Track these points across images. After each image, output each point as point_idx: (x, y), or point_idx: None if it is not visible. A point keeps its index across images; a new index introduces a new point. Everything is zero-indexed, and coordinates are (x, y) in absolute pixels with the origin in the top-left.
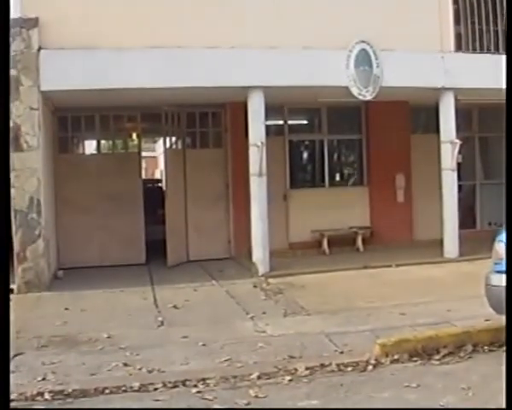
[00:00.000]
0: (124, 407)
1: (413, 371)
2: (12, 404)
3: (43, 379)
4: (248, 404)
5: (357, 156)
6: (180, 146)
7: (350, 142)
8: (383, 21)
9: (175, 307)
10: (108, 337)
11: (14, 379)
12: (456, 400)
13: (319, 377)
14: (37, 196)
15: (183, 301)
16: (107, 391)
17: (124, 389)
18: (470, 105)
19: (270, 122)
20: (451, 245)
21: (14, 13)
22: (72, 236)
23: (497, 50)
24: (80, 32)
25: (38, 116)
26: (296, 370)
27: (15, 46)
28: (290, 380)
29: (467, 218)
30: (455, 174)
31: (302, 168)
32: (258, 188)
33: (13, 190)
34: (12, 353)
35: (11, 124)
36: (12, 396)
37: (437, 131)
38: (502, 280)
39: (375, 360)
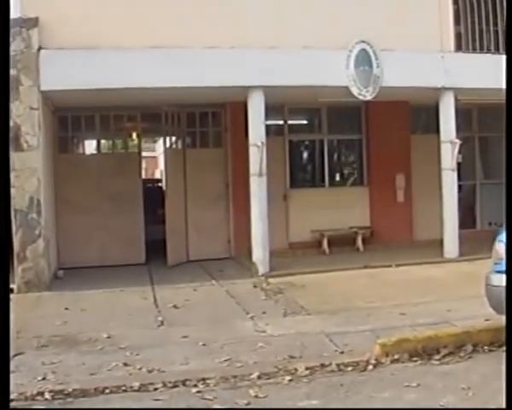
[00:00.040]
0: (124, 407)
1: (413, 371)
2: (12, 404)
3: (43, 379)
4: (248, 404)
5: (357, 156)
6: (180, 146)
7: (350, 142)
8: (383, 21)
9: (175, 306)
10: (108, 337)
11: (14, 379)
12: (456, 400)
13: (319, 377)
14: (38, 196)
15: (183, 301)
16: (107, 391)
17: (124, 388)
18: (470, 105)
19: (270, 122)
20: (451, 245)
21: (14, 13)
22: (72, 236)
23: (497, 50)
24: (80, 31)
25: (38, 116)
26: (296, 370)
27: (15, 46)
28: (290, 380)
29: (467, 218)
30: (455, 174)
31: (302, 168)
32: (258, 188)
33: (13, 190)
34: (12, 353)
35: (11, 124)
36: (12, 396)
37: (437, 131)
38: (502, 280)
39: (376, 359)
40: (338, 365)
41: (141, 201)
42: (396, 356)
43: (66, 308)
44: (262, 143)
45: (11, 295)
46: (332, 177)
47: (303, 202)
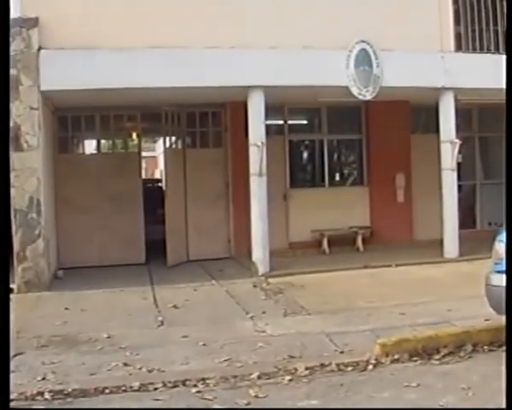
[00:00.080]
0: (123, 407)
1: (413, 371)
2: (12, 404)
3: (43, 379)
4: (248, 404)
5: (357, 156)
6: (180, 146)
7: (350, 142)
8: (383, 21)
9: (175, 306)
10: (108, 337)
11: (13, 379)
12: (456, 400)
13: (319, 377)
14: (37, 196)
15: (182, 301)
16: (106, 391)
17: (124, 388)
18: (470, 105)
19: (270, 122)
20: (451, 245)
21: (14, 13)
22: (72, 235)
23: (497, 50)
24: (80, 31)
25: (38, 116)
26: (296, 370)
27: (15, 46)
28: (290, 380)
29: (467, 218)
30: (455, 174)
31: (302, 168)
32: (258, 188)
33: (13, 190)
34: (12, 352)
35: (11, 124)
36: (12, 396)
37: (437, 130)
38: (502, 280)
39: (376, 359)
40: (338, 365)
41: (141, 201)
42: (396, 356)
43: (66, 308)
44: (262, 142)
45: (11, 295)
46: (332, 177)
47: (303, 201)
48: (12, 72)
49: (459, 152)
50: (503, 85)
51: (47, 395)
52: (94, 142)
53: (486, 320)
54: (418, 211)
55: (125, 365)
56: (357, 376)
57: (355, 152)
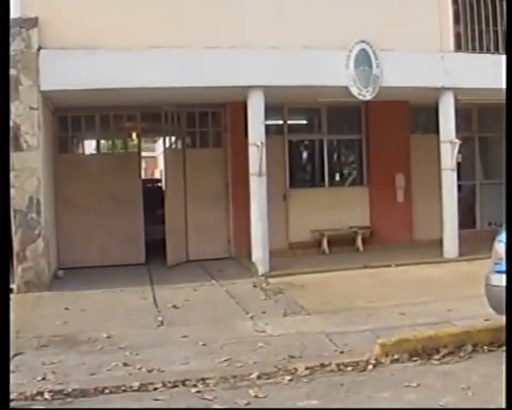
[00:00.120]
0: (123, 407)
1: (413, 371)
2: (12, 404)
3: (43, 379)
4: (248, 404)
5: (356, 156)
6: (180, 146)
7: (350, 142)
8: (383, 21)
9: (175, 306)
10: (108, 337)
11: (13, 379)
12: (455, 400)
13: (319, 377)
14: (37, 196)
15: (182, 301)
16: (106, 391)
17: (123, 388)
18: (470, 105)
19: (269, 122)
20: (451, 245)
21: (13, 13)
22: (72, 236)
23: (496, 50)
24: (80, 31)
25: (38, 116)
26: (296, 370)
27: (15, 46)
28: (290, 380)
29: (466, 218)
30: (454, 174)
31: (302, 168)
32: (257, 188)
33: (12, 190)
34: (12, 352)
35: (11, 124)
36: (12, 396)
37: (437, 131)
38: (502, 280)
39: (375, 359)
40: (338, 365)
41: (140, 201)
42: (396, 356)
43: (66, 308)
44: (262, 142)
45: (11, 295)
46: (332, 177)
47: (303, 201)
48: (12, 72)
49: (459, 152)
50: (503, 85)
51: (47, 395)
52: (94, 142)
53: (486, 320)
54: (418, 211)
55: (125, 365)
56: (357, 376)
57: (355, 152)
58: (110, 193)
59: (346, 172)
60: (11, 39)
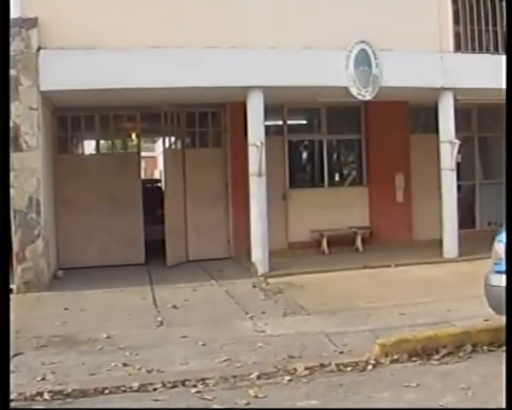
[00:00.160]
0: (123, 407)
1: (412, 371)
2: (11, 404)
3: (43, 379)
4: (248, 404)
5: (356, 156)
6: (179, 146)
7: (349, 142)
8: (383, 21)
9: (174, 306)
10: (108, 337)
11: (13, 379)
12: (455, 400)
13: (319, 377)
14: (37, 196)
15: (182, 301)
16: (106, 391)
17: (123, 389)
18: (469, 105)
19: (269, 122)
20: (451, 245)
21: (13, 13)
22: (71, 236)
23: (496, 50)
24: (80, 31)
25: (38, 116)
26: (296, 370)
27: (15, 46)
28: (290, 380)
29: (466, 218)
30: (454, 174)
31: (301, 168)
32: (257, 188)
33: (12, 190)
34: (11, 353)
35: (10, 124)
36: (11, 396)
37: (436, 131)
38: (501, 280)
39: (375, 360)
40: (337, 365)
41: (140, 201)
42: (395, 356)
43: (66, 308)
44: (261, 143)
45: (10, 296)
46: (331, 177)
47: (302, 202)
48: (11, 72)
49: (458, 152)
50: (503, 85)
51: (46, 396)
52: (93, 142)
53: (486, 320)
54: (417, 211)
55: (125, 365)
56: (357, 376)
57: (354, 152)
58: (110, 193)
59: (345, 172)
60: (11, 39)
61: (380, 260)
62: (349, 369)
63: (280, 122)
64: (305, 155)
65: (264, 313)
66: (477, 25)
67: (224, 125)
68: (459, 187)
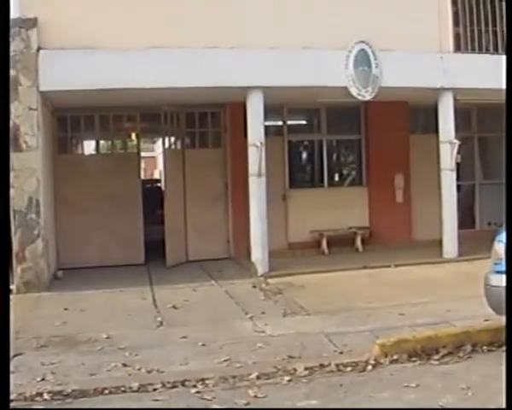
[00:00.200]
0: (123, 407)
1: (412, 372)
2: (11, 404)
3: (43, 379)
4: (248, 404)
5: (356, 156)
6: (179, 146)
7: (349, 142)
8: (382, 22)
9: (174, 307)
10: (108, 338)
11: (13, 379)
12: (455, 400)
13: (318, 378)
14: (37, 197)
15: (182, 302)
16: (106, 391)
17: (123, 389)
18: (469, 105)
19: (269, 122)
20: (450, 245)
21: (13, 13)
22: (71, 236)
23: (495, 51)
24: (80, 32)
25: (37, 116)
26: (295, 370)
27: (14, 46)
28: (289, 380)
29: (466, 218)
30: (454, 174)
31: (301, 168)
32: (257, 188)
33: (12, 191)
34: (11, 353)
35: (10, 124)
36: (11, 396)
37: (436, 131)
38: (501, 280)
39: (375, 360)
40: (337, 365)
41: (140, 201)
42: (395, 356)
43: (66, 309)
44: (261, 143)
45: (10, 296)
46: (331, 177)
47: (302, 202)
48: (11, 72)
49: (458, 152)
50: (502, 86)
51: (46, 396)
52: (93, 142)
53: (486, 320)
54: (417, 211)
55: (125, 365)
56: (357, 376)
57: (354, 152)
58: (109, 193)
59: (345, 172)
60: (10, 40)
61: (379, 261)
62: (349, 369)
63: (280, 122)
64: (304, 155)
65: (263, 313)
66: (477, 25)
67: (224, 125)
68: (459, 187)
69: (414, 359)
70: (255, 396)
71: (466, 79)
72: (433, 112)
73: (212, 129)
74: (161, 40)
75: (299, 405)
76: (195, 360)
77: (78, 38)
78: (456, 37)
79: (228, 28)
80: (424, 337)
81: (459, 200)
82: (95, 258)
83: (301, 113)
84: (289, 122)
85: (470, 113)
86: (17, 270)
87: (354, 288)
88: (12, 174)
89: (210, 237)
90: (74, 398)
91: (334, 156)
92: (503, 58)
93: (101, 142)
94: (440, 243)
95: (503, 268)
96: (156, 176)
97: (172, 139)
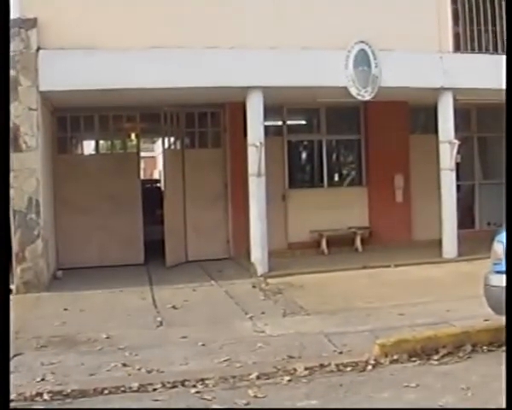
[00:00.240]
0: (123, 407)
1: (412, 372)
2: (11, 404)
3: (43, 380)
4: (247, 404)
5: (355, 156)
6: (179, 146)
7: (349, 142)
8: (382, 22)
9: (174, 307)
10: (107, 338)
11: (13, 380)
12: (455, 400)
13: (318, 378)
14: (36, 197)
15: (181, 302)
16: (106, 391)
17: (123, 389)
18: (469, 105)
19: (268, 122)
20: (450, 245)
21: (12, 13)
22: (71, 236)
23: (495, 51)
24: (79, 32)
25: (37, 116)
26: (295, 370)
27: (14, 46)
28: (289, 380)
29: (465, 218)
30: (453, 174)
31: (301, 168)
32: (256, 188)
33: (12, 191)
34: (11, 353)
35: (10, 124)
36: (11, 396)
37: (436, 131)
38: (501, 280)
39: (375, 360)
40: (337, 365)
41: (139, 201)
42: (395, 356)
43: (66, 309)
44: (261, 143)
45: (10, 296)
46: (331, 177)
47: (302, 202)
48: (11, 72)
49: (458, 152)
50: (502, 86)
51: (46, 396)
52: (93, 142)
53: (485, 320)
54: (417, 211)
55: (124, 365)
56: (357, 376)
57: (354, 152)
58: (109, 193)
59: (345, 172)
60: (10, 40)
61: (379, 261)
62: (349, 369)
63: (279, 122)
64: (304, 155)
65: (263, 313)
66: (476, 25)
67: (224, 125)
68: (458, 187)
69: (414, 359)
70: (255, 396)
71: (466, 79)
72: (433, 112)
73: (212, 129)
74: (161, 40)
75: (299, 405)
76: (195, 360)
77: (78, 38)
78: (456, 36)
79: (228, 28)
80: (424, 337)
81: (459, 200)
82: (94, 258)
83: (301, 113)
84: (289, 122)
85: (470, 113)
86: (17, 270)
87: (354, 288)
88: (12, 174)
89: (210, 237)
90: (74, 398)
91: (334, 156)
92: (503, 58)
93: (101, 142)
94: (440, 242)
95: (503, 268)
96: (156, 176)
97: (172, 139)
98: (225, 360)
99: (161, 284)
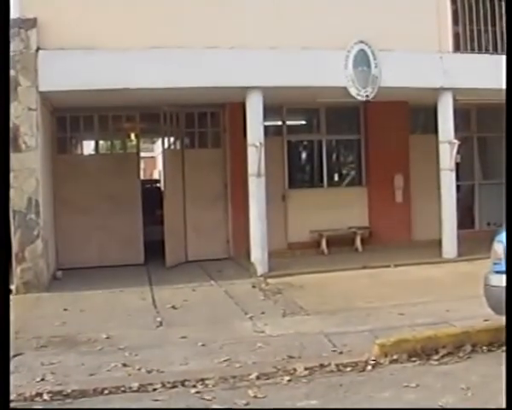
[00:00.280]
0: (123, 408)
1: (412, 372)
2: (11, 404)
3: (43, 380)
4: (247, 404)
5: (355, 156)
6: (179, 146)
7: (348, 142)
8: (382, 22)
9: (173, 307)
10: (107, 338)
11: (13, 380)
12: (455, 400)
13: (318, 378)
14: (36, 197)
15: (181, 302)
16: (106, 392)
17: (123, 389)
18: (469, 105)
19: (268, 123)
20: (450, 245)
21: (12, 13)
22: (70, 236)
23: (495, 51)
24: (79, 32)
25: (37, 117)
26: (295, 370)
27: (14, 46)
28: (289, 380)
29: (465, 218)
30: (453, 174)
31: (301, 168)
32: (256, 188)
33: (11, 191)
34: (11, 353)
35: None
36: (11, 397)
37: (435, 131)
38: (501, 280)
39: (374, 360)
40: (337, 365)
41: (139, 201)
42: (395, 356)
43: (65, 309)
44: (260, 143)
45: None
46: (330, 177)
47: (301, 202)
48: (11, 72)
49: (458, 152)
50: (502, 86)
51: (46, 396)
52: (92, 142)
53: (485, 321)
54: (417, 211)
55: (125, 365)
56: (357, 376)
57: (354, 152)
58: (109, 194)
59: (344, 172)
60: (10, 40)
61: (379, 261)
62: (349, 369)
63: (279, 122)
64: (304, 155)
65: (263, 313)
66: (476, 25)
67: (224, 125)
68: (458, 187)
69: (414, 359)
70: (255, 396)
71: (465, 79)
72: (433, 112)
73: (212, 129)
74: (161, 40)
75: (299, 405)
76: (195, 360)
77: (77, 38)
78: (456, 36)
79: (228, 28)
80: (424, 337)
81: (458, 200)
82: (94, 258)
83: (301, 113)
84: (289, 122)
85: (470, 113)
86: (17, 270)
87: (354, 288)
88: (11, 174)
89: (209, 237)
90: (74, 398)
91: (334, 156)
92: (503, 58)
93: (101, 142)
94: (440, 243)
95: (503, 268)
96: (156, 176)
97: (172, 139)
98: (225, 360)
99: (161, 284)
